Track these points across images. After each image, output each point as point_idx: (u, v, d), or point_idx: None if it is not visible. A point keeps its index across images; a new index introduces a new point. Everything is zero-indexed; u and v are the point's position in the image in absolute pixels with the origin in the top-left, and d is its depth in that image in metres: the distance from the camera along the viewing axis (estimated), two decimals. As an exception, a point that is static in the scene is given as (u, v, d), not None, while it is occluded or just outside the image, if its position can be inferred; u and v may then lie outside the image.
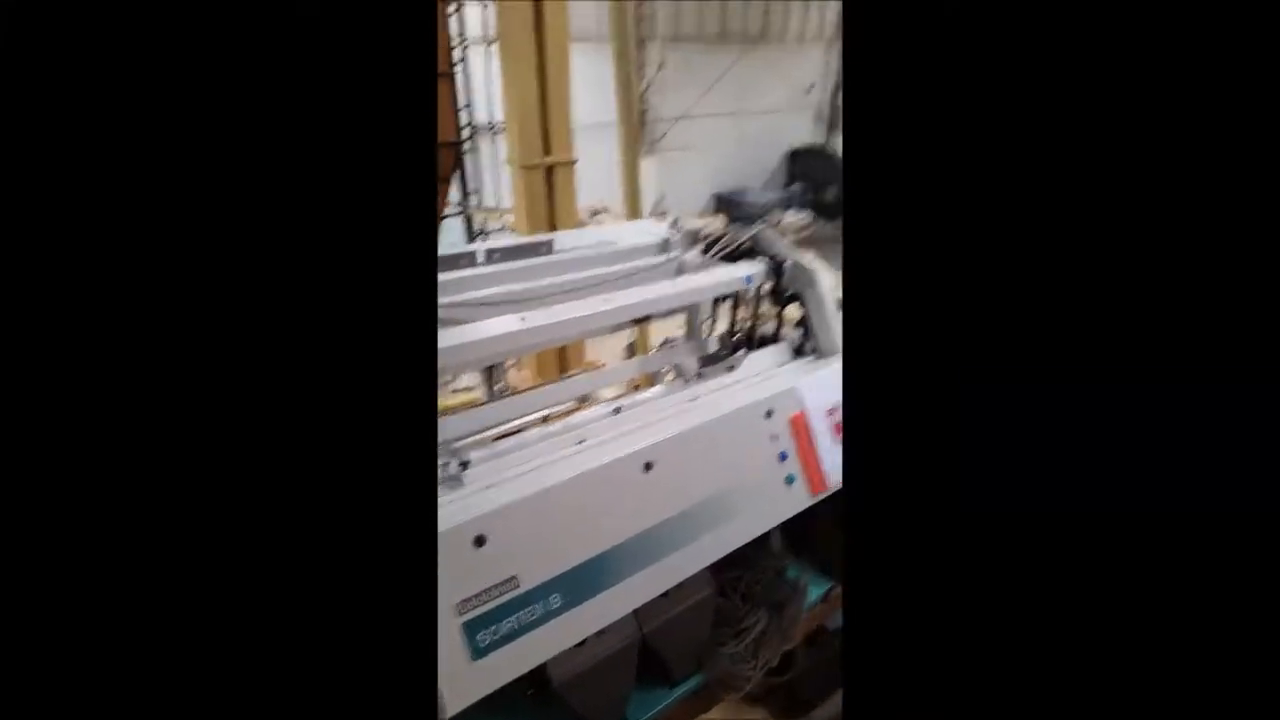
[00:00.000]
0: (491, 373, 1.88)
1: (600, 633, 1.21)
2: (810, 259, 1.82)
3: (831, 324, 1.80)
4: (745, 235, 1.86)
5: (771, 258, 1.81)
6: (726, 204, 11.87)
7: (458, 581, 0.98)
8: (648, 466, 1.23)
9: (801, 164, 14.10)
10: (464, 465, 1.20)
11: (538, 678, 1.17)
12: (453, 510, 1.03)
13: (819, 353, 1.82)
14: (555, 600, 1.08)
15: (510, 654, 1.02)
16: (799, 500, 1.52)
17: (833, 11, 13.21)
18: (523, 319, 1.33)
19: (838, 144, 14.95)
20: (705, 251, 1.90)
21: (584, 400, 1.85)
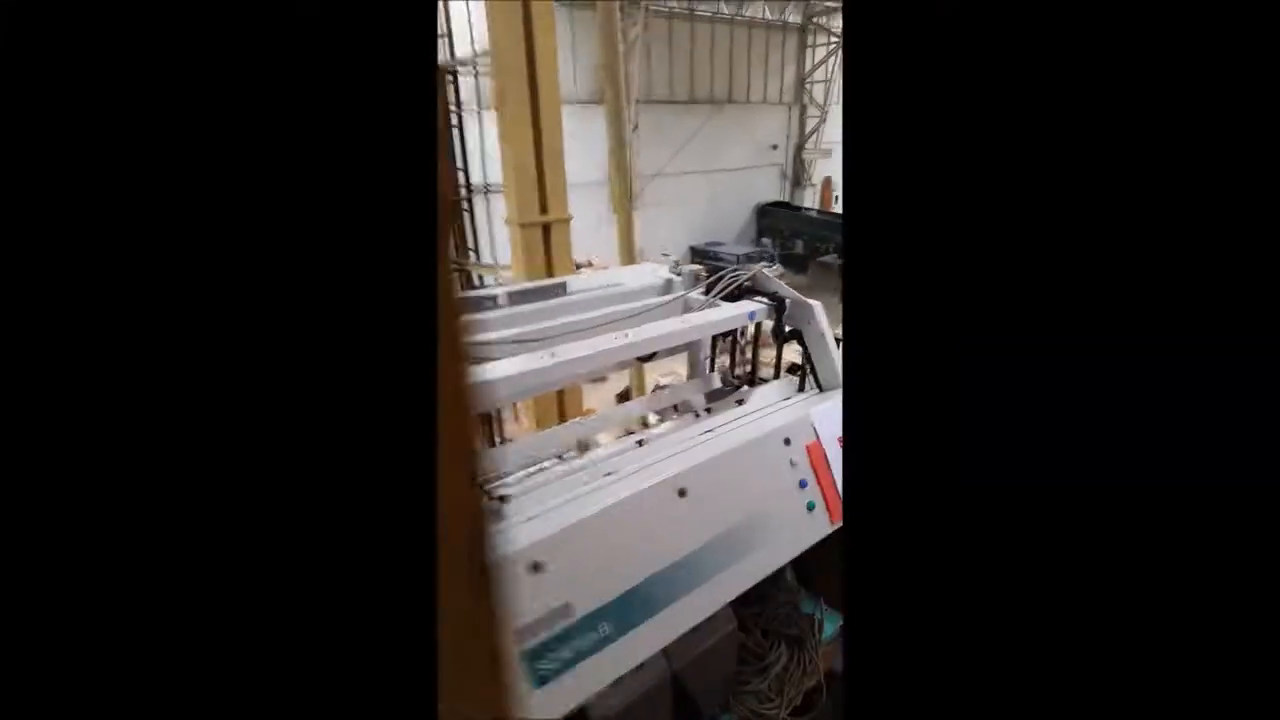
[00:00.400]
0: (491, 421, 1.91)
1: (635, 670, 1.21)
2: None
3: (834, 357, 1.88)
4: (746, 275, 1.96)
5: (771, 295, 1.91)
6: (702, 257, 12.23)
7: (516, 609, 0.99)
8: (682, 493, 1.27)
9: (769, 218, 14.66)
10: (502, 500, 1.22)
11: (575, 716, 1.17)
12: (504, 539, 1.05)
13: (821, 386, 1.89)
14: (606, 628, 1.09)
15: (569, 683, 1.03)
16: (819, 528, 1.55)
17: (790, 76, 14.02)
18: (553, 354, 1.38)
19: (802, 199, 15.62)
20: (706, 292, 2.00)
21: (583, 449, 1.88)
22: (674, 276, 2.11)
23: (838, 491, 1.58)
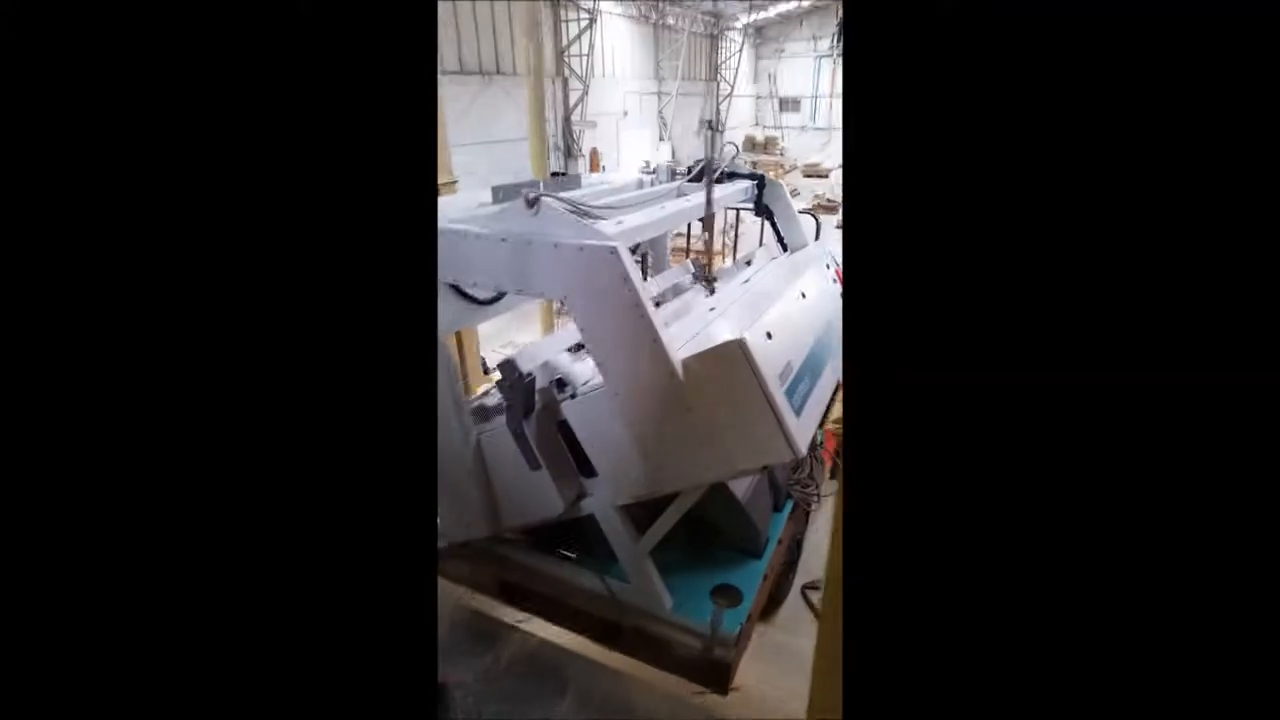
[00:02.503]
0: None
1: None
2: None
3: (800, 225, 2.33)
4: (726, 163, 2.30)
5: (750, 176, 2.27)
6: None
7: (769, 364, 1.25)
8: (803, 295, 1.61)
9: (554, 189, 14.90)
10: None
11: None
12: (730, 326, 1.30)
13: (789, 249, 2.34)
14: (805, 384, 1.41)
15: (805, 416, 1.33)
16: None
17: (549, 49, 14.32)
18: (663, 207, 1.61)
19: (575, 168, 16.16)
20: (696, 179, 2.29)
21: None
22: (645, 176, 2.36)
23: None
